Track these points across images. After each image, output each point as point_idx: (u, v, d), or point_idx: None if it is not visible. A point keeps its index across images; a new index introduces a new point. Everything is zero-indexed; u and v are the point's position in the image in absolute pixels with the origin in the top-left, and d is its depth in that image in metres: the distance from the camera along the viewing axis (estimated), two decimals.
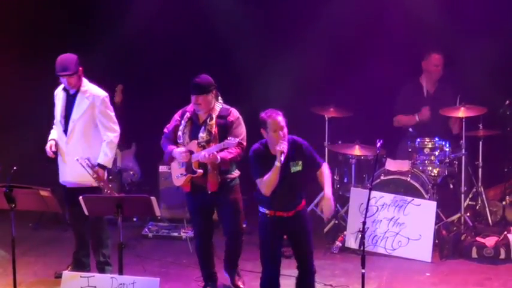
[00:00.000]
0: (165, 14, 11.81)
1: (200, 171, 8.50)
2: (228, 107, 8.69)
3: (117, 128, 9.15)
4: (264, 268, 7.98)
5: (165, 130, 8.84)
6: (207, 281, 8.93)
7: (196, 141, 8.55)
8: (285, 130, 7.68)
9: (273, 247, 7.99)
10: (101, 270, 9.16)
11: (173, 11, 11.80)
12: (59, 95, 9.12)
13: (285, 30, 11.79)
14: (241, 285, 9.05)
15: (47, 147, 9.07)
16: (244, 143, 8.55)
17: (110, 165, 9.22)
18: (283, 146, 7.60)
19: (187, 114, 8.70)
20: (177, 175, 8.74)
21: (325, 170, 7.97)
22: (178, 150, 8.56)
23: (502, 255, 9.78)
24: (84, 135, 9.00)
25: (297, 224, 7.88)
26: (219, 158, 8.36)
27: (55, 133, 9.13)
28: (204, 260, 8.95)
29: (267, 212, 7.89)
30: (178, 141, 8.68)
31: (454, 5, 11.30)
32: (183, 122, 8.72)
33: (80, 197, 8.44)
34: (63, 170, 9.10)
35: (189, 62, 11.70)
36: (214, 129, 8.53)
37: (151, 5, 11.81)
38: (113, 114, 9.15)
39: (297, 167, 7.74)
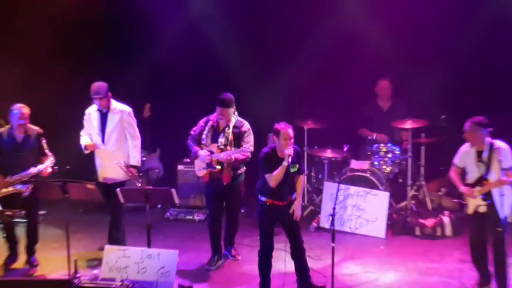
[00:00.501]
0: (183, 46, 11.58)
1: (218, 167, 8.69)
2: (241, 119, 8.82)
3: (139, 135, 9.19)
4: (261, 243, 8.08)
5: (192, 132, 8.93)
6: (214, 251, 9.04)
7: (216, 145, 8.74)
8: (292, 140, 7.77)
9: (268, 228, 8.07)
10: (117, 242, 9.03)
11: (189, 43, 11.58)
12: (93, 114, 9.09)
13: (273, 58, 11.57)
14: (237, 256, 9.21)
15: (88, 147, 9.04)
16: (252, 149, 8.72)
17: (139, 164, 9.25)
18: (291, 151, 7.72)
19: (210, 122, 8.83)
20: (199, 168, 8.88)
21: (303, 180, 8.20)
22: (202, 153, 8.70)
23: (438, 233, 9.85)
24: (117, 142, 9.04)
25: (288, 211, 7.97)
26: (233, 158, 8.60)
27: (87, 138, 9.07)
28: (213, 236, 9.04)
29: (266, 200, 7.94)
30: (202, 142, 8.83)
31: (402, 37, 11.07)
32: (206, 127, 8.83)
33: (118, 189, 8.61)
34: (103, 170, 9.12)
35: (201, 84, 11.57)
36: (230, 136, 8.71)
37: (173, 39, 11.61)
38: (135, 124, 9.17)
39: (294, 169, 7.86)
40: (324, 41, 11.25)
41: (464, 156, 8.03)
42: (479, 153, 7.89)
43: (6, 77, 10.68)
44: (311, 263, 8.88)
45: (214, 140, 8.79)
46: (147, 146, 11.22)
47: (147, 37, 11.60)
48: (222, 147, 8.74)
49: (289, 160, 7.74)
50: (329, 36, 11.23)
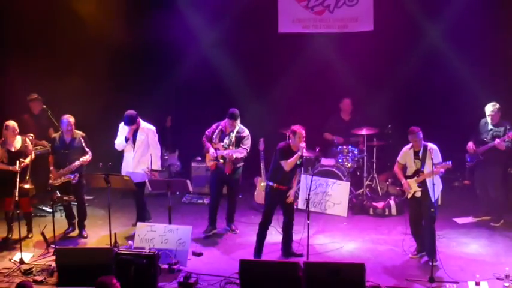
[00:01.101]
0: (197, 69, 11.26)
1: (222, 161, 8.83)
2: (243, 127, 8.94)
3: (159, 146, 9.15)
4: (263, 217, 8.16)
5: (207, 132, 9.00)
6: (210, 223, 9.04)
7: (222, 144, 8.88)
8: (304, 138, 7.96)
9: (271, 206, 8.18)
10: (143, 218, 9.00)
11: (201, 67, 11.27)
12: (126, 129, 8.93)
13: (265, 80, 11.33)
14: (236, 230, 9.18)
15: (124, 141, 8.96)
16: (249, 150, 8.91)
17: (159, 168, 9.24)
18: (304, 145, 7.95)
19: (220, 127, 8.96)
20: (209, 160, 8.98)
21: (299, 174, 8.36)
22: (211, 151, 8.82)
23: (387, 213, 9.81)
24: (143, 152, 8.97)
25: (286, 194, 8.11)
26: (233, 155, 8.74)
27: (121, 138, 9.01)
28: (212, 212, 9.07)
29: (273, 185, 8.05)
30: (213, 140, 8.92)
31: (360, 66, 10.84)
32: (216, 130, 8.95)
33: (147, 180, 8.68)
34: (127, 171, 8.96)
35: (210, 99, 11.28)
36: (233, 139, 8.83)
37: (189, 64, 11.32)
38: (157, 139, 9.11)
39: (299, 161, 8.03)
40: (303, 69, 11.13)
41: (405, 155, 8.13)
42: (416, 153, 8.00)
43: (67, 91, 10.55)
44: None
45: (221, 140, 8.93)
46: (168, 148, 11.19)
47: (170, 63, 11.42)
48: (226, 146, 8.88)
49: (302, 153, 7.91)
50: (306, 65, 11.12)
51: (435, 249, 7.86)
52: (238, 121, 8.88)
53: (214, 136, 8.94)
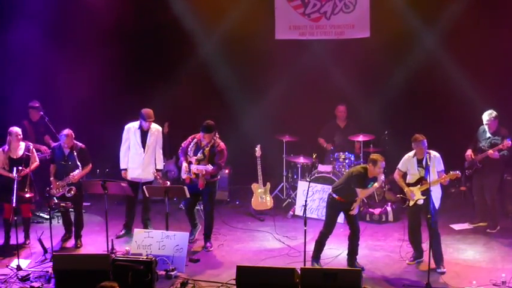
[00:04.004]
0: (194, 80, 11.32)
1: (194, 176, 8.60)
2: (219, 141, 8.66)
3: (162, 145, 9.31)
4: (325, 227, 8.14)
5: (182, 145, 8.86)
6: (192, 227, 8.99)
7: (195, 157, 8.66)
8: (382, 169, 7.88)
9: (333, 217, 8.17)
10: (146, 225, 9.15)
11: (199, 78, 11.34)
12: (131, 130, 9.10)
13: (262, 89, 11.32)
14: (210, 248, 8.77)
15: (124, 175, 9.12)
16: (223, 164, 8.73)
17: (162, 168, 9.37)
18: (383, 178, 8.05)
19: (195, 140, 8.75)
20: (182, 174, 8.81)
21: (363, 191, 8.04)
22: (184, 165, 8.69)
23: (384, 219, 9.85)
24: (151, 153, 9.12)
25: (346, 206, 8.02)
26: (204, 171, 8.51)
27: (124, 164, 9.13)
28: (190, 219, 8.99)
29: (336, 197, 8.01)
30: (188, 153, 8.75)
31: (355, 74, 10.87)
32: (192, 143, 8.75)
33: (144, 186, 8.68)
34: (139, 172, 9.10)
35: (210, 108, 10.98)
36: (206, 154, 8.61)
37: (186, 76, 11.31)
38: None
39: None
40: (299, 75, 11.16)
41: (407, 162, 8.12)
42: (419, 161, 8.00)
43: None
44: (288, 242, 9.00)
45: (195, 154, 8.71)
46: (165, 154, 11.08)
47: (167, 75, 11.44)
48: (199, 159, 8.66)
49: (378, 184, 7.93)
50: (303, 72, 11.15)
51: (440, 250, 7.93)
52: (214, 134, 8.64)
53: (189, 150, 8.71)
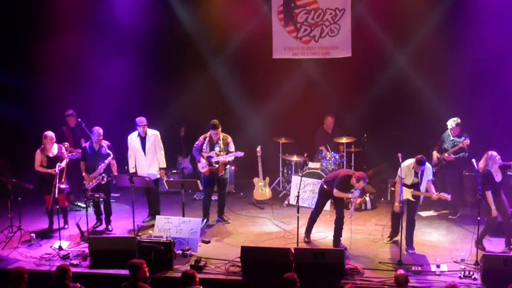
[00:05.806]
0: (207, 90, 11.16)
1: (216, 166, 8.74)
2: (226, 135, 8.86)
3: (162, 146, 9.09)
4: (316, 209, 8.36)
5: (195, 145, 8.91)
6: (204, 217, 8.99)
7: (214, 152, 8.78)
8: None
9: (324, 202, 8.47)
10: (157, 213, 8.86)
11: (210, 89, 11.18)
12: (134, 139, 8.96)
13: (260, 98, 11.14)
14: (227, 220, 9.07)
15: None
16: (235, 151, 8.76)
17: (165, 166, 9.18)
18: (358, 195, 8.19)
19: (207, 138, 8.84)
20: (202, 167, 8.88)
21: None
22: (203, 160, 8.78)
23: (363, 207, 9.81)
24: (152, 154, 8.99)
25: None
26: (227, 160, 8.71)
27: (132, 163, 9.02)
28: (205, 208, 9.03)
29: (326, 187, 8.19)
30: (203, 151, 8.82)
31: (340, 86, 10.68)
32: (205, 142, 8.84)
33: (164, 180, 8.71)
34: (143, 173, 8.96)
35: (217, 115, 10.50)
36: (222, 146, 8.76)
37: (200, 89, 11.20)
38: (160, 140, 9.10)
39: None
40: (293, 88, 11.09)
41: (407, 171, 8.06)
42: (415, 172, 8.05)
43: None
44: (284, 226, 8.99)
45: (212, 148, 8.82)
46: (182, 153, 11.16)
47: (184, 88, 11.31)
48: (218, 152, 8.79)
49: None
50: (296, 85, 11.08)
51: (413, 239, 8.06)
52: (220, 129, 8.76)
53: (204, 147, 8.78)
